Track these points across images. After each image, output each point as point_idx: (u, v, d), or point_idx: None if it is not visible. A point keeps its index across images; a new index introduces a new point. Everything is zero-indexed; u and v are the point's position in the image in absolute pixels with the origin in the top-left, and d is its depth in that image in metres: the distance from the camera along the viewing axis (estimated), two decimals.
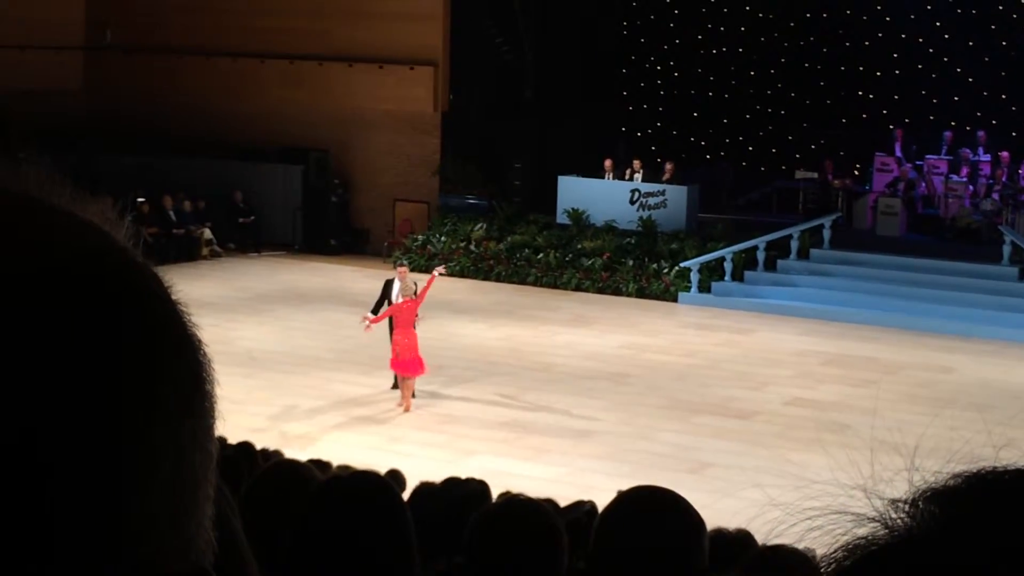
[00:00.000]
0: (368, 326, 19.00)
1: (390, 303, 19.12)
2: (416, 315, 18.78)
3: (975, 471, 0.88)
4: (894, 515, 0.87)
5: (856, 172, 31.23)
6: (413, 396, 19.00)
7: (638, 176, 29.60)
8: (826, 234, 27.55)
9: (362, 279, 28.43)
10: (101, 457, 0.85)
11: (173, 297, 0.93)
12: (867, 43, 32.33)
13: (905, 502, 0.88)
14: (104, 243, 0.91)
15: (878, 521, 0.88)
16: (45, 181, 0.93)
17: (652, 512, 3.32)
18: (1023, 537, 0.82)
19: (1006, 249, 26.10)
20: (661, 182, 29.39)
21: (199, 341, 0.93)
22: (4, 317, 0.84)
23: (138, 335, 0.88)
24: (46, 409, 0.83)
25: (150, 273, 0.92)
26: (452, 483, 8.10)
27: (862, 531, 0.88)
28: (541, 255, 28.71)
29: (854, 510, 0.90)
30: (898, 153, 29.91)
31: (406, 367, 18.78)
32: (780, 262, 27.51)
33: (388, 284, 19.42)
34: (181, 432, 0.89)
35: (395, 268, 19.68)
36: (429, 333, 19.95)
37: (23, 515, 0.82)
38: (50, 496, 0.83)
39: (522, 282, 28.47)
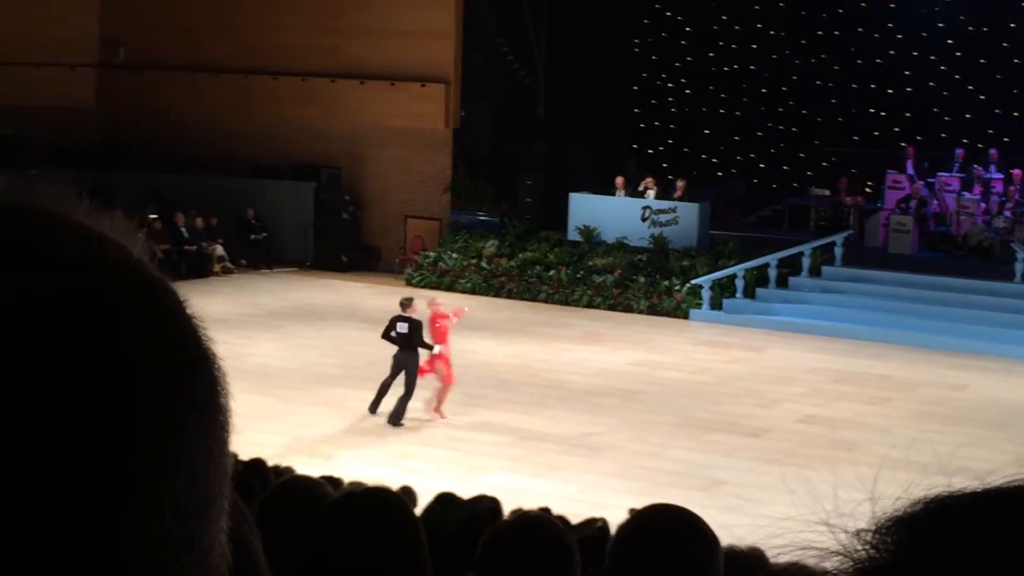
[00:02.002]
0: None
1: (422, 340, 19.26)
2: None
3: (934, 496, 0.88)
4: (858, 547, 0.87)
5: (868, 189, 31.21)
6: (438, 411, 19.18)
7: (650, 193, 29.60)
8: (838, 251, 27.52)
9: (373, 296, 28.46)
10: (116, 471, 0.85)
11: (189, 312, 0.94)
12: (879, 61, 32.36)
13: (868, 532, 0.88)
14: (121, 258, 0.91)
15: (842, 554, 0.87)
16: (62, 196, 0.93)
17: (668, 531, 3.31)
18: (983, 562, 0.82)
19: (1018, 266, 26.06)
20: (672, 199, 29.39)
21: (214, 355, 0.94)
22: (23, 332, 0.84)
23: (155, 350, 0.89)
24: (62, 421, 0.84)
25: (166, 288, 0.93)
26: (464, 500, 8.10)
27: (828, 564, 0.88)
28: (552, 272, 28.71)
29: (818, 545, 0.90)
30: (910, 171, 29.88)
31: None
32: (792, 279, 27.48)
33: (415, 322, 19.34)
34: (196, 446, 0.90)
35: (404, 309, 19.52)
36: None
37: (35, 529, 0.83)
38: (63, 508, 0.83)
39: (533, 299, 28.48)
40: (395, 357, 19.16)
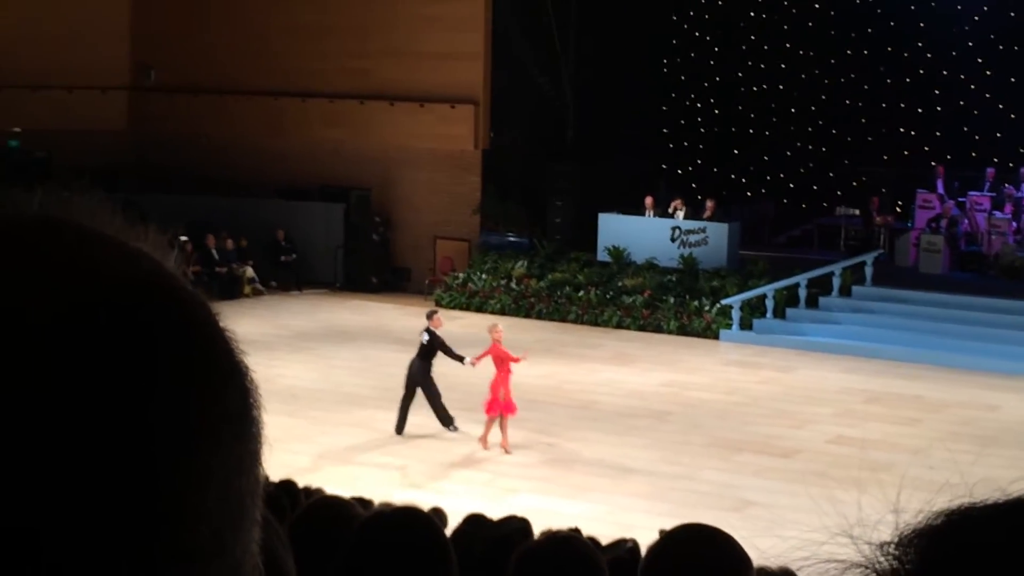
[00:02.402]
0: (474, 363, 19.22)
1: (448, 349, 19.24)
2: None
3: (956, 508, 0.88)
4: (881, 559, 0.88)
5: (898, 209, 31.12)
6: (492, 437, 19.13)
7: (679, 214, 29.58)
8: (868, 271, 27.43)
9: (403, 317, 28.49)
10: (150, 480, 0.86)
11: (221, 324, 0.95)
12: (908, 80, 32.29)
13: (891, 544, 0.88)
14: (154, 271, 0.93)
15: (866, 567, 0.88)
16: (96, 211, 0.95)
17: (700, 550, 3.30)
18: (1003, 572, 0.82)
19: None
20: (702, 219, 29.36)
21: (246, 367, 0.95)
22: (56, 343, 0.86)
23: (188, 361, 0.90)
24: (96, 431, 0.85)
25: (199, 300, 0.94)
26: (494, 520, 8.09)
27: None
28: (582, 293, 28.70)
29: (841, 557, 0.90)
30: (940, 190, 29.78)
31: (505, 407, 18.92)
32: (822, 299, 27.40)
33: (435, 335, 19.41)
34: (230, 457, 0.91)
35: (432, 318, 19.74)
36: (469, 370, 19.93)
37: (70, 536, 0.84)
38: (98, 516, 0.84)
39: (563, 320, 28.46)
40: (408, 367, 19.24)
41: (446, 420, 19.35)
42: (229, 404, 0.91)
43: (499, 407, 18.70)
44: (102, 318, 0.87)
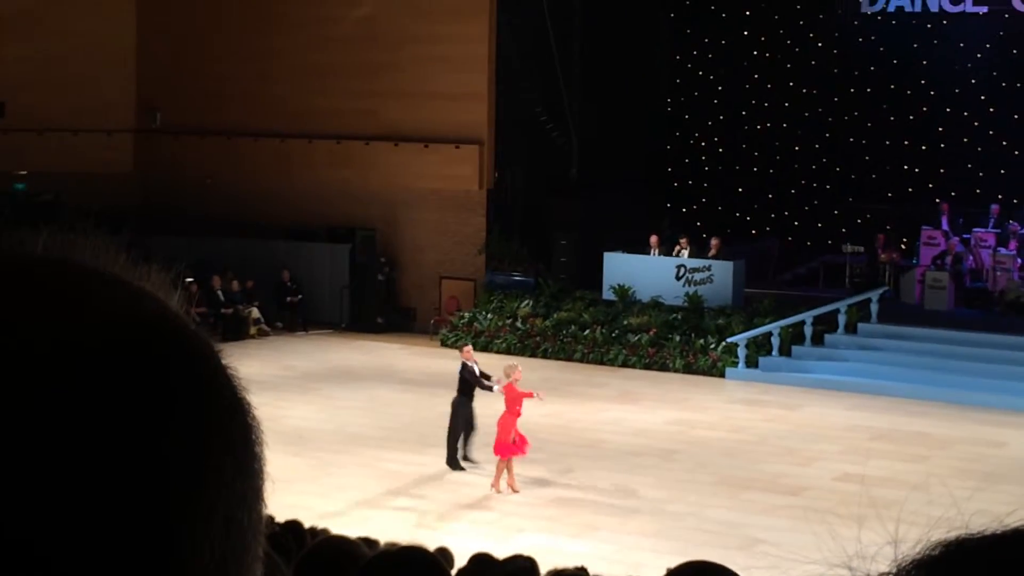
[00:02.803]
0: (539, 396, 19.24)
1: (477, 380, 19.35)
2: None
3: (953, 538, 0.90)
4: None
5: (903, 246, 31.13)
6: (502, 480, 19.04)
7: (684, 252, 29.60)
8: (874, 308, 27.43)
9: (409, 357, 28.50)
10: (154, 514, 0.88)
11: (224, 362, 0.97)
12: (912, 117, 32.35)
13: (889, 574, 0.90)
14: (158, 309, 0.95)
15: None
16: (100, 250, 0.97)
17: None
18: None
19: None
20: (707, 257, 29.38)
21: (249, 404, 0.97)
22: (59, 381, 0.88)
23: (193, 398, 0.92)
24: (100, 466, 0.87)
25: (202, 338, 0.96)
26: (500, 560, 8.09)
27: None
28: (587, 331, 28.70)
29: None
30: (945, 227, 29.79)
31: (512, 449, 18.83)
32: (828, 337, 27.39)
33: (465, 367, 19.61)
34: (233, 492, 0.93)
35: (461, 351, 20.07)
36: (477, 410, 19.94)
37: (75, 568, 0.86)
38: (103, 549, 0.86)
39: (569, 359, 28.45)
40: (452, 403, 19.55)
41: (453, 462, 19.34)
42: (232, 440, 0.93)
43: (509, 450, 18.65)
44: (106, 356, 0.89)
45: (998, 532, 0.90)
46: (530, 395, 18.95)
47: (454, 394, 19.75)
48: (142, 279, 0.97)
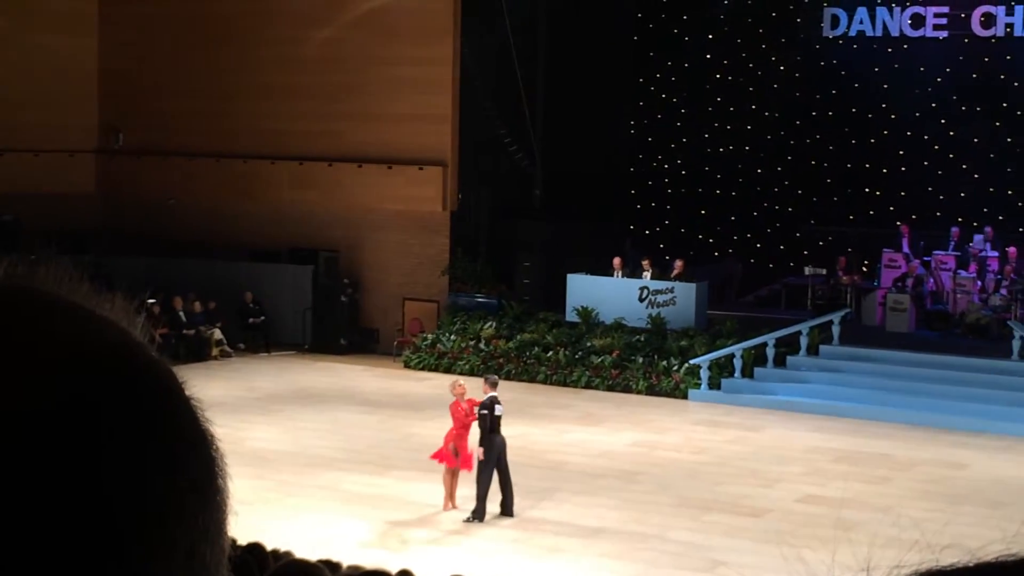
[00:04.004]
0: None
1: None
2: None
3: (925, 571, 0.89)
4: None
5: (865, 268, 31.30)
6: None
7: (647, 274, 29.67)
8: (835, 330, 27.55)
9: (372, 378, 28.43)
10: (114, 549, 0.87)
11: (187, 393, 0.96)
12: (873, 140, 32.57)
13: None
14: (120, 341, 0.93)
15: None
16: (64, 279, 0.95)
17: None
18: None
19: (1015, 344, 26.08)
20: (670, 279, 29.45)
21: (212, 436, 0.96)
22: (24, 413, 0.86)
23: (155, 430, 0.91)
24: (59, 500, 0.85)
25: (165, 370, 0.95)
26: None
27: None
28: (551, 353, 28.71)
29: None
30: (905, 249, 29.98)
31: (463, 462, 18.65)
32: (790, 358, 27.49)
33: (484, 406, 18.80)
34: (194, 526, 0.91)
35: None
36: (439, 432, 19.86)
37: None
38: None
39: (532, 380, 28.45)
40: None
41: (478, 512, 18.38)
42: (194, 474, 0.92)
43: (450, 459, 18.49)
44: (65, 388, 0.88)
45: (970, 566, 0.90)
46: (472, 418, 18.69)
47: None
48: (105, 308, 0.96)
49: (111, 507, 0.87)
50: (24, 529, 0.84)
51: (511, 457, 18.68)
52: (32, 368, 0.88)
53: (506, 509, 18.54)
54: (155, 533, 0.89)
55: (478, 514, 18.30)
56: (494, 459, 18.32)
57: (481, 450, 18.30)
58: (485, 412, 18.45)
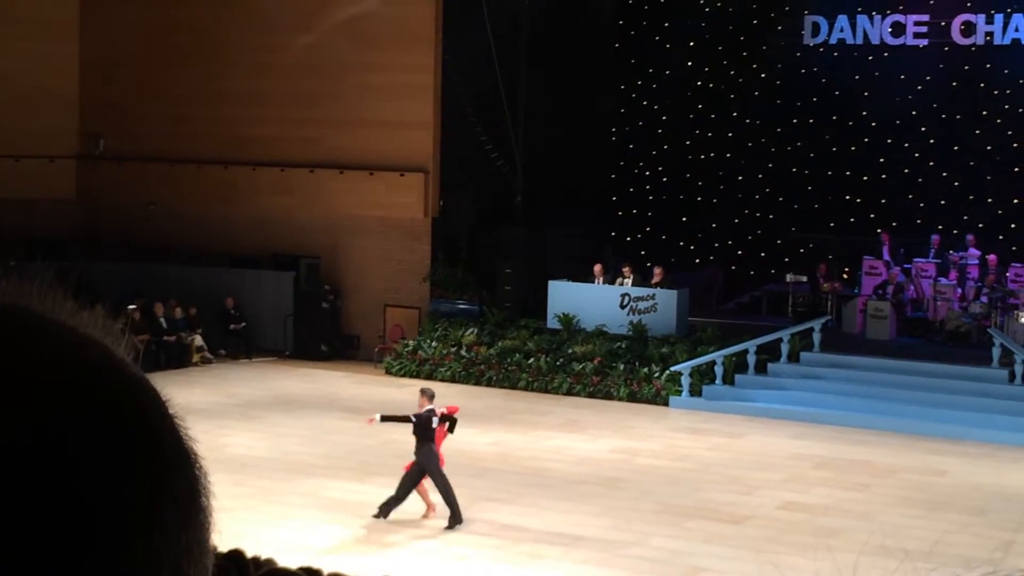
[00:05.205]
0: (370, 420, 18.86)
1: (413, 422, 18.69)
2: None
3: None
4: None
5: (845, 276, 31.37)
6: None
7: (628, 281, 29.68)
8: (816, 337, 27.60)
9: (353, 385, 28.39)
10: (97, 569, 0.86)
11: (170, 411, 0.95)
12: (853, 148, 32.66)
13: None
14: (103, 358, 0.93)
15: None
16: (46, 295, 0.95)
17: None
18: None
19: (995, 351, 26.16)
20: (651, 286, 29.47)
21: (195, 455, 0.95)
22: (6, 433, 0.86)
23: (137, 451, 0.90)
24: (41, 520, 0.85)
25: (148, 387, 0.94)
26: None
27: None
28: (532, 360, 28.71)
29: None
30: (886, 257, 30.06)
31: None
32: (771, 365, 27.53)
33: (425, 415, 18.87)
34: (177, 547, 0.91)
35: (424, 396, 19.04)
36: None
37: None
38: None
39: (513, 387, 28.44)
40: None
41: (455, 517, 18.43)
42: (176, 493, 0.91)
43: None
44: (45, 407, 0.87)
45: None
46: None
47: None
48: (89, 325, 0.95)
49: (92, 529, 0.86)
50: (6, 548, 0.84)
51: (492, 463, 18.67)
52: (11, 394, 0.87)
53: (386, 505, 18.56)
54: (137, 553, 0.88)
55: (455, 519, 18.31)
56: (437, 465, 18.32)
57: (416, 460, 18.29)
58: (420, 424, 18.34)
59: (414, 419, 18.46)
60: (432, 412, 18.54)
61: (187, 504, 0.93)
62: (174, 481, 0.92)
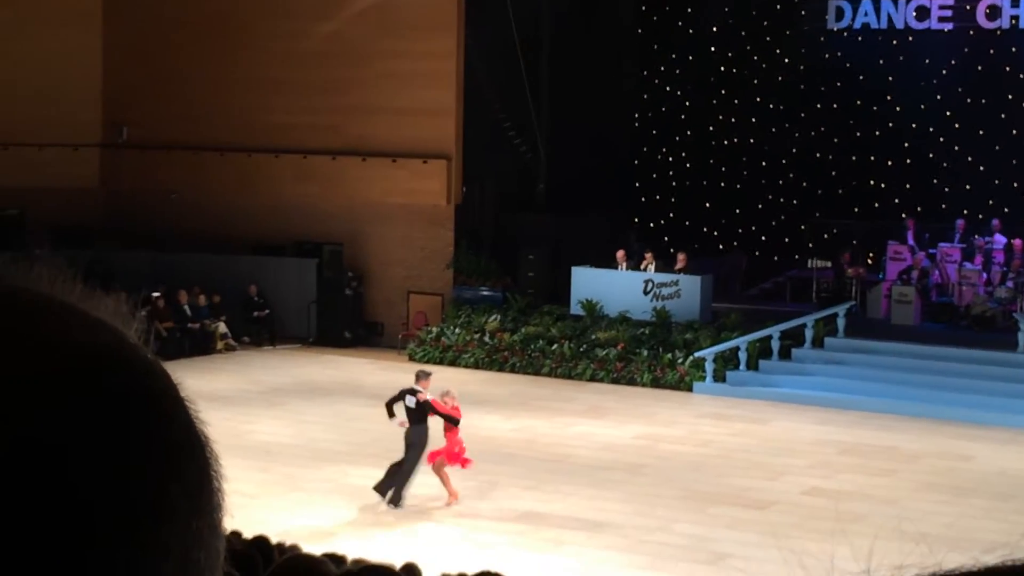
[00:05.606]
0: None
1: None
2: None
3: (934, 574, 0.88)
4: None
5: (870, 261, 31.27)
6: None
7: (651, 267, 29.65)
8: (840, 323, 27.53)
9: (376, 372, 28.43)
10: (107, 554, 0.85)
11: (182, 394, 0.94)
12: (878, 133, 32.53)
13: None
14: (114, 342, 0.91)
15: None
16: (57, 279, 0.94)
17: None
18: None
19: (1021, 336, 26.05)
20: (674, 272, 29.43)
21: (206, 438, 0.94)
22: (15, 418, 0.85)
23: (148, 435, 0.89)
24: (50, 504, 0.84)
25: (159, 371, 0.93)
26: (468, 575, 8.06)
27: None
28: (555, 346, 28.70)
29: None
30: (911, 242, 29.94)
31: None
32: (795, 351, 27.47)
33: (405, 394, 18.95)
34: (188, 531, 0.90)
35: (419, 381, 19.08)
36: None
37: None
38: None
39: (537, 373, 28.44)
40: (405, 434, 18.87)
41: (395, 498, 18.69)
42: (187, 479, 0.90)
43: (444, 456, 18.57)
44: (55, 391, 0.86)
45: (976, 570, 0.88)
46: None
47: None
48: (99, 309, 0.94)
49: (102, 514, 0.85)
50: (12, 541, 0.83)
51: (516, 449, 18.69)
52: (19, 372, 0.86)
53: (380, 488, 18.66)
54: (148, 541, 0.87)
55: (396, 499, 18.48)
56: (420, 450, 18.44)
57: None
58: (417, 409, 18.50)
59: (413, 406, 18.52)
60: (412, 391, 18.56)
61: (198, 489, 0.91)
62: (184, 466, 0.91)
